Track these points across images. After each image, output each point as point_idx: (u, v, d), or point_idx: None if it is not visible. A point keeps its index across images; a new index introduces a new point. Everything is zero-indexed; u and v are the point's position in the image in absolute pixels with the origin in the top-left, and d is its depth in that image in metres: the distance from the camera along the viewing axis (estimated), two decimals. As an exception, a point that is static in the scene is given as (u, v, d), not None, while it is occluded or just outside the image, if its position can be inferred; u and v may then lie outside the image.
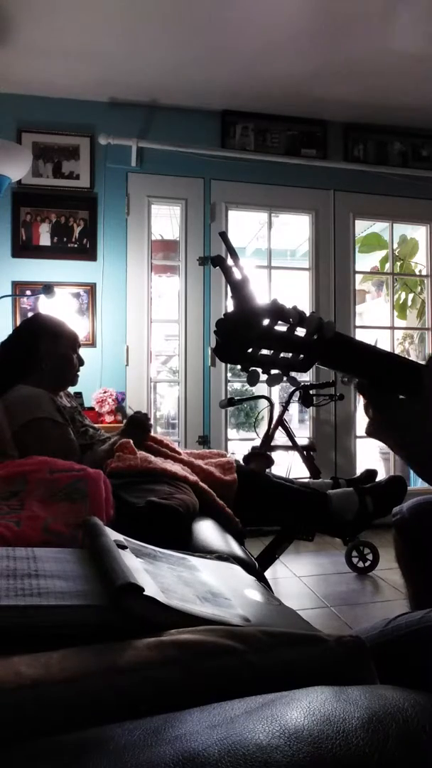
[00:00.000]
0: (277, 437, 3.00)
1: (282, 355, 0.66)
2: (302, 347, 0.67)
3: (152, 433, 1.89)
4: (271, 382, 0.67)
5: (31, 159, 2.90)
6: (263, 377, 0.66)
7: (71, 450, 1.63)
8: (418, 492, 3.64)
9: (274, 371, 0.67)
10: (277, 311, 0.64)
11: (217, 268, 0.67)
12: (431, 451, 0.71)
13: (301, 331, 0.66)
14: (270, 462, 2.51)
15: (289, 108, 3.39)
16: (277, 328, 0.65)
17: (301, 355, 0.67)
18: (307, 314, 0.66)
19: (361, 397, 0.74)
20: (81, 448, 1.71)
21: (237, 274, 0.64)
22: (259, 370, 0.66)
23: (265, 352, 0.66)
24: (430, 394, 0.70)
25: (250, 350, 0.65)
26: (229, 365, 3.56)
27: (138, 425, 1.80)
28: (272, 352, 0.66)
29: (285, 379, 0.68)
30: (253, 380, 0.66)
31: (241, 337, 0.64)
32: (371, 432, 0.75)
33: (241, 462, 2.25)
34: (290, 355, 0.66)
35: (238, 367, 0.67)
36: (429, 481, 0.74)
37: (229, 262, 0.65)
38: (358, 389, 0.73)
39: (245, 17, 2.56)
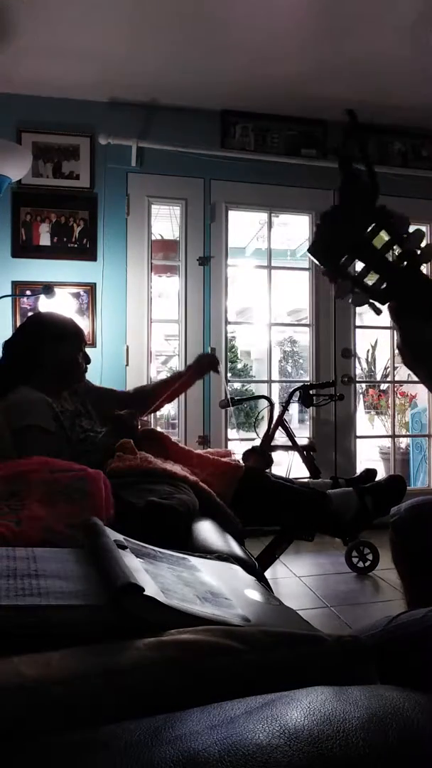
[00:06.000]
0: (277, 437, 2.99)
1: (366, 279, 0.65)
2: (390, 272, 0.65)
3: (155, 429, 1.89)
4: (356, 300, 0.66)
5: (31, 159, 2.90)
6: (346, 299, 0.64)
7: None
8: (418, 492, 3.64)
9: (357, 291, 0.65)
10: (385, 216, 0.62)
11: (340, 156, 0.64)
12: None
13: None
14: (269, 461, 2.51)
15: (289, 108, 3.39)
16: (376, 242, 0.63)
17: (384, 284, 0.65)
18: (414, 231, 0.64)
19: (396, 329, 0.71)
20: (80, 454, 1.68)
21: (358, 169, 0.61)
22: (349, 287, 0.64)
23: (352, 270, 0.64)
24: None
25: (343, 259, 0.63)
26: (229, 365, 3.56)
27: (120, 425, 1.78)
28: (361, 270, 0.64)
29: (367, 303, 0.66)
30: (342, 293, 0.64)
31: (341, 237, 0.61)
32: (408, 363, 0.73)
33: (241, 462, 2.25)
34: (374, 280, 0.65)
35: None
36: None
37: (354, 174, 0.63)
38: (392, 314, 0.69)
39: (245, 17, 2.56)
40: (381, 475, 2.23)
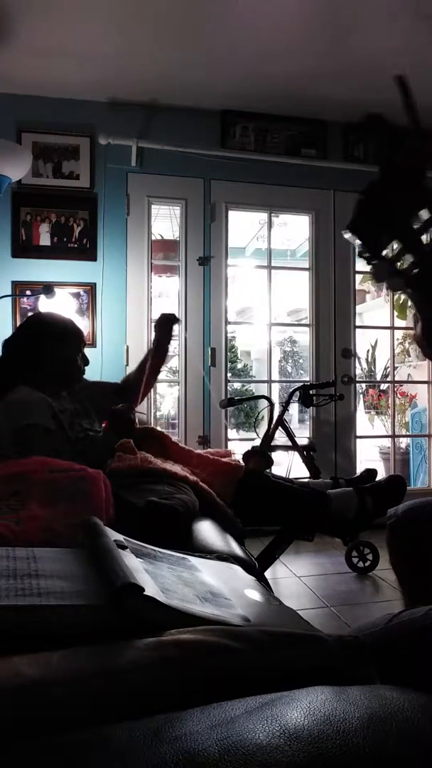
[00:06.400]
0: (277, 437, 3.00)
1: (399, 264, 0.62)
2: (422, 257, 0.62)
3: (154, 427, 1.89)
4: (393, 285, 0.63)
5: (31, 159, 2.90)
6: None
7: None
8: (418, 492, 3.63)
9: (394, 276, 0.63)
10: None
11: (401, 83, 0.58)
12: None
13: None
14: (269, 462, 2.51)
15: (289, 108, 3.39)
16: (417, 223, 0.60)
17: (416, 270, 0.63)
18: None
19: (416, 322, 0.68)
20: (79, 452, 1.68)
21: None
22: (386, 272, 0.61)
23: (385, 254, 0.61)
24: None
25: (382, 238, 0.60)
26: (228, 365, 3.56)
27: (118, 420, 1.78)
28: (398, 250, 0.61)
29: (402, 289, 0.64)
30: (381, 275, 0.61)
31: (391, 211, 0.58)
32: (429, 353, 0.70)
33: (241, 462, 2.25)
34: (407, 264, 0.62)
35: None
36: None
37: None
38: (416, 301, 0.66)
39: (245, 17, 2.55)
40: (381, 475, 2.23)
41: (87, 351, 1.96)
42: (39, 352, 1.79)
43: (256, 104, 3.34)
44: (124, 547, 0.75)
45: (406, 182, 0.59)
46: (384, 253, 0.62)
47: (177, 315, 2.21)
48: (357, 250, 0.64)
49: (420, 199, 0.59)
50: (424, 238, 0.62)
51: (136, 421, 1.82)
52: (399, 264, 0.63)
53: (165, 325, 2.16)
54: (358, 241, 0.63)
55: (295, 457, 3.09)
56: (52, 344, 1.80)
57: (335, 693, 0.45)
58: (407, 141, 0.59)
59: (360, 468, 3.25)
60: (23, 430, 1.60)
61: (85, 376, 2.00)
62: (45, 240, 3.20)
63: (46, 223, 3.20)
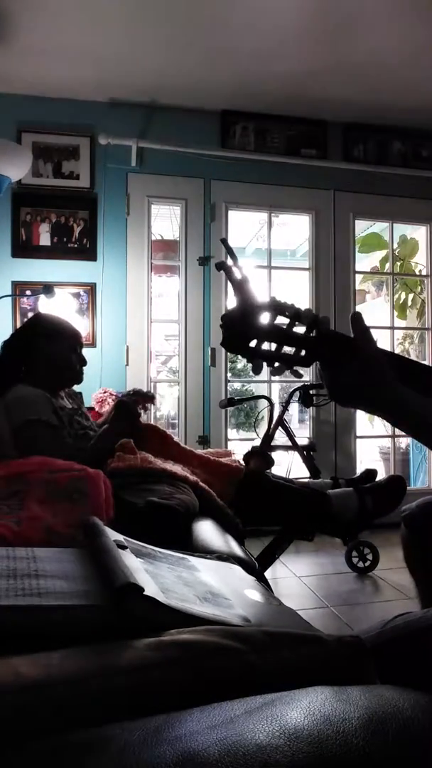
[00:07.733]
0: (277, 437, 3.00)
1: (285, 349, 0.71)
2: (302, 343, 0.71)
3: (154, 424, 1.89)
4: (275, 372, 0.72)
5: (31, 159, 2.90)
6: (267, 368, 0.70)
7: (61, 454, 1.62)
8: (418, 492, 3.64)
9: (276, 364, 0.71)
10: (275, 307, 0.69)
11: (221, 271, 0.72)
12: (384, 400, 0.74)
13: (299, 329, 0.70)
14: (270, 462, 2.51)
15: (289, 108, 3.39)
16: (278, 323, 0.70)
17: (303, 351, 0.71)
18: (303, 310, 0.71)
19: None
20: (81, 448, 1.70)
21: (237, 274, 0.69)
22: (264, 363, 0.70)
23: (268, 346, 0.71)
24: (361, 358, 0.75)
25: (253, 343, 0.69)
26: (228, 365, 3.56)
27: (123, 411, 1.78)
28: (276, 346, 0.70)
29: (288, 372, 0.72)
30: (257, 370, 0.71)
31: (243, 330, 0.69)
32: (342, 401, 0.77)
33: (242, 462, 2.25)
34: (293, 350, 0.71)
35: (238, 366, 0.70)
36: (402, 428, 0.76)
37: (230, 263, 0.70)
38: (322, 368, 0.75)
39: (245, 17, 2.56)
40: (381, 475, 2.23)
41: (87, 351, 1.96)
42: (36, 353, 1.80)
43: (256, 104, 3.34)
44: (124, 547, 0.75)
45: (251, 304, 0.69)
46: (262, 350, 0.71)
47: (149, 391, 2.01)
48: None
49: (268, 310, 0.69)
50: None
51: (141, 414, 1.83)
52: (282, 352, 0.72)
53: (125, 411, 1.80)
54: (231, 354, 0.73)
55: (295, 457, 3.09)
56: (43, 342, 1.80)
57: (335, 693, 0.45)
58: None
59: (360, 468, 3.25)
60: (26, 426, 1.60)
61: (88, 378, 2.01)
62: (45, 240, 3.20)
63: (46, 223, 3.20)
